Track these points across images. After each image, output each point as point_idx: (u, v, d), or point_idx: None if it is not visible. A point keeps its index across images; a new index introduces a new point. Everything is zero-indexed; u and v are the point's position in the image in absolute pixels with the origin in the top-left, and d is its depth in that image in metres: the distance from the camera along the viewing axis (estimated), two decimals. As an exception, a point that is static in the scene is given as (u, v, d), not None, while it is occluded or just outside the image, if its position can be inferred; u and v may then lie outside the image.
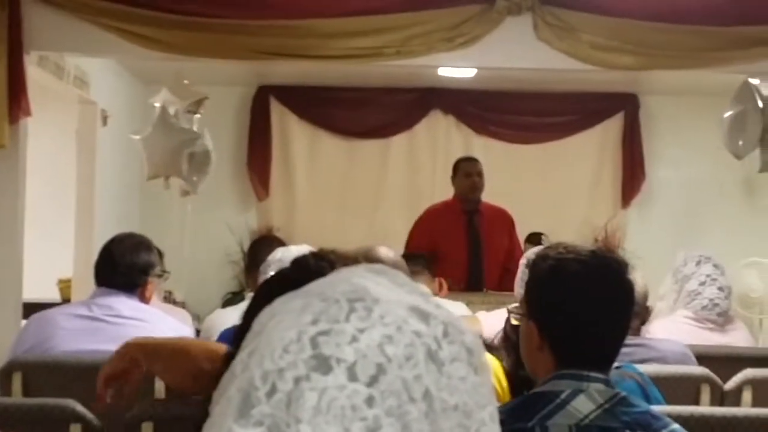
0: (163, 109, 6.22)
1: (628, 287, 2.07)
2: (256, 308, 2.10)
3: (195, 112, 6.35)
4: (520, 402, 2.03)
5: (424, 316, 0.83)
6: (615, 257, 2.14)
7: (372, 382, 0.79)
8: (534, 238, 7.19)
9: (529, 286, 2.17)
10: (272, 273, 3.37)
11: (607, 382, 1.98)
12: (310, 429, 0.77)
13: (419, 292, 0.90)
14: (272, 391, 0.79)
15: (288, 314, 0.84)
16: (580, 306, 2.04)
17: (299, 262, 1.75)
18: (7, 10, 4.95)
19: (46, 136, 6.88)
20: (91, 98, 6.59)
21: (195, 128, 6.33)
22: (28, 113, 5.05)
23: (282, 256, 3.51)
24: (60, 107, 6.78)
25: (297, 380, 0.79)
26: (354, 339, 0.80)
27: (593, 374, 1.97)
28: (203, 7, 5.13)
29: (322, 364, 0.79)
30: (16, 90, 4.94)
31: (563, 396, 1.93)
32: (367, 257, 3.03)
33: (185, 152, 6.27)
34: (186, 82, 6.30)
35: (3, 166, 5.05)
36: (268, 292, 1.69)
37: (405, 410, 0.79)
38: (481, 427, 0.83)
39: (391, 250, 3.19)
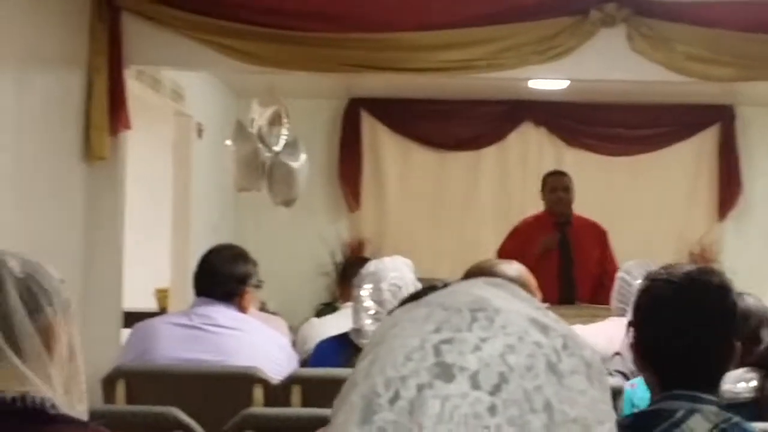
0: (239, 122, 6.32)
1: (725, 309, 2.06)
2: None
3: (277, 125, 6.43)
4: (634, 418, 2.04)
5: (543, 328, 0.84)
6: (713, 278, 2.12)
7: (494, 390, 0.79)
8: None
9: (633, 309, 2.17)
10: (365, 287, 3.41)
11: (719, 406, 1.98)
12: None
13: (537, 306, 0.91)
14: (395, 398, 0.80)
15: (410, 323, 0.85)
16: (670, 329, 2.05)
17: (432, 287, 1.79)
18: (108, 25, 5.08)
19: (144, 148, 7.01)
20: (186, 111, 6.71)
21: (280, 141, 6.40)
22: (128, 126, 5.17)
23: (376, 269, 3.53)
24: (156, 119, 6.91)
25: (420, 387, 0.80)
26: (477, 348, 0.81)
27: (706, 396, 1.98)
28: (295, 20, 5.20)
29: (445, 372, 0.80)
30: (116, 103, 5.07)
31: (678, 415, 1.94)
32: (489, 273, 2.96)
33: (259, 165, 6.36)
34: (271, 94, 6.38)
35: (104, 177, 5.16)
36: None
37: (526, 420, 0.79)
38: None
39: (514, 265, 3.10)
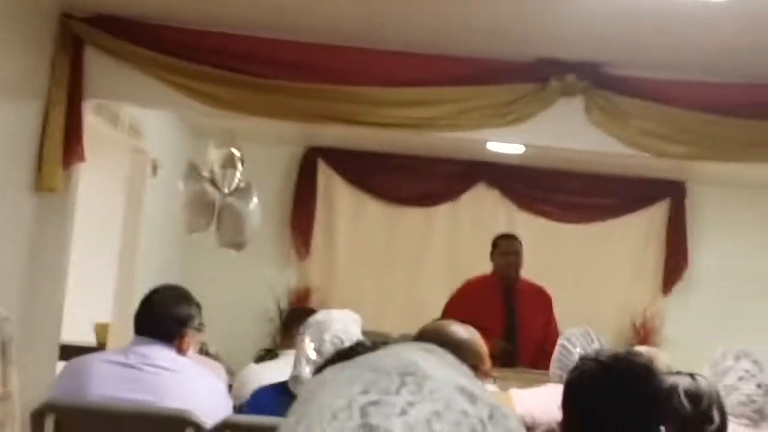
0: (192, 162, 6.31)
1: (648, 390, 2.11)
2: None
3: (231, 168, 6.42)
4: None
5: (471, 397, 0.84)
6: (639, 360, 2.19)
7: None
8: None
9: (564, 385, 2.23)
10: (308, 336, 3.40)
11: None
12: None
13: (466, 374, 0.91)
14: None
15: (338, 383, 0.84)
16: (594, 406, 2.11)
17: (361, 345, 1.79)
18: (70, 57, 5.06)
19: (97, 182, 6.96)
20: (143, 147, 6.68)
21: (232, 185, 6.39)
22: (82, 159, 5.14)
23: (322, 319, 3.52)
24: (112, 154, 6.88)
25: None
26: (403, 412, 0.80)
27: None
28: (258, 66, 5.21)
29: None
30: (72, 135, 5.04)
31: None
32: (439, 333, 2.98)
33: (208, 206, 6.34)
34: (228, 137, 6.38)
35: (54, 208, 5.12)
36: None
37: None
38: None
39: (467, 329, 3.10)
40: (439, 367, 0.87)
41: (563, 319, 7.03)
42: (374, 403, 0.81)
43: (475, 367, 3.02)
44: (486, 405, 0.85)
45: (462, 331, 3.06)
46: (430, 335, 3.18)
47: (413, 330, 5.77)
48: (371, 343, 2.06)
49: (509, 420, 0.86)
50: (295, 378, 3.44)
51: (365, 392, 0.82)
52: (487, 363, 3.10)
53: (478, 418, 0.83)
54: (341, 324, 3.46)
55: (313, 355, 3.34)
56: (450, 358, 0.92)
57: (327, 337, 3.38)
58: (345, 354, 1.94)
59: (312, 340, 3.39)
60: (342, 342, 3.31)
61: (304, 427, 0.82)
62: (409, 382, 0.83)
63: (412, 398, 0.82)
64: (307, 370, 3.36)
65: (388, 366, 0.85)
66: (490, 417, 0.84)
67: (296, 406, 0.87)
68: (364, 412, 0.80)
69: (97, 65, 5.17)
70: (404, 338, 6.67)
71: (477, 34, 4.97)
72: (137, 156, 6.77)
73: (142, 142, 6.61)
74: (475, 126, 5.28)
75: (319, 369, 2.40)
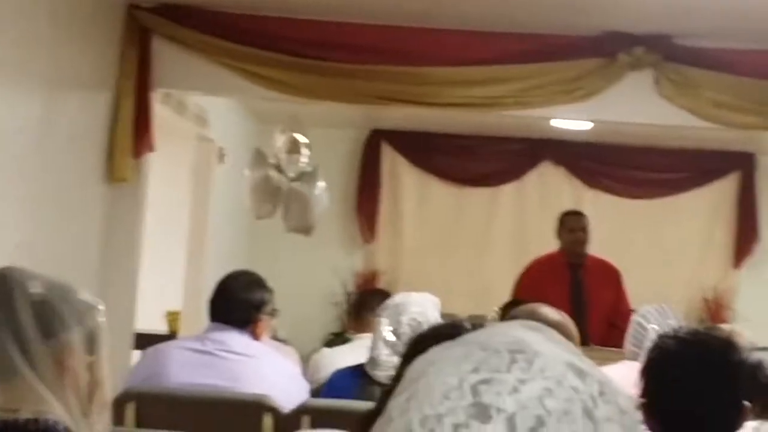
0: (258, 149, 6.34)
1: (728, 366, 2.10)
2: (408, 360, 2.21)
3: (297, 153, 6.44)
4: None
5: (581, 374, 0.83)
6: (718, 336, 2.18)
7: None
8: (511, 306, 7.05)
9: (643, 362, 2.26)
10: (385, 318, 3.40)
11: None
12: None
13: (573, 351, 0.90)
14: None
15: (448, 361, 0.84)
16: (674, 383, 2.13)
17: (456, 324, 1.80)
18: (137, 48, 5.11)
19: (165, 171, 7.02)
20: (209, 136, 6.72)
21: (297, 169, 6.41)
22: (151, 149, 5.19)
23: (400, 301, 3.52)
24: (179, 143, 6.93)
25: (456, 427, 0.79)
26: (515, 390, 0.80)
27: None
28: (323, 51, 5.22)
29: (482, 413, 0.79)
30: (141, 126, 5.09)
31: None
32: (532, 316, 3.03)
33: (275, 192, 6.37)
34: (294, 122, 6.40)
35: (125, 198, 5.18)
36: (421, 345, 1.76)
37: None
38: None
39: (555, 311, 3.16)
40: (548, 345, 0.86)
41: (634, 296, 6.96)
42: (485, 382, 0.81)
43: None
44: (596, 381, 0.84)
45: (554, 313, 3.13)
46: (524, 317, 3.21)
47: (481, 311, 5.79)
48: (469, 324, 2.09)
49: (619, 396, 0.86)
50: (373, 360, 3.44)
51: (476, 370, 0.82)
52: (577, 344, 3.10)
53: (588, 394, 0.82)
54: (419, 306, 3.46)
55: (390, 337, 3.34)
56: (556, 336, 0.91)
57: (404, 319, 3.38)
58: (444, 333, 1.93)
59: (389, 323, 3.39)
60: (420, 324, 3.31)
61: (415, 406, 0.82)
62: (520, 359, 0.82)
63: (523, 376, 0.81)
64: (384, 353, 3.36)
65: (497, 344, 0.84)
66: (601, 393, 0.83)
67: (406, 384, 0.86)
68: (475, 391, 0.80)
69: (165, 55, 5.21)
70: (473, 319, 6.66)
71: (541, 9, 4.92)
72: (204, 144, 6.83)
73: (208, 130, 6.66)
74: (542, 103, 5.23)
75: (412, 348, 2.37)
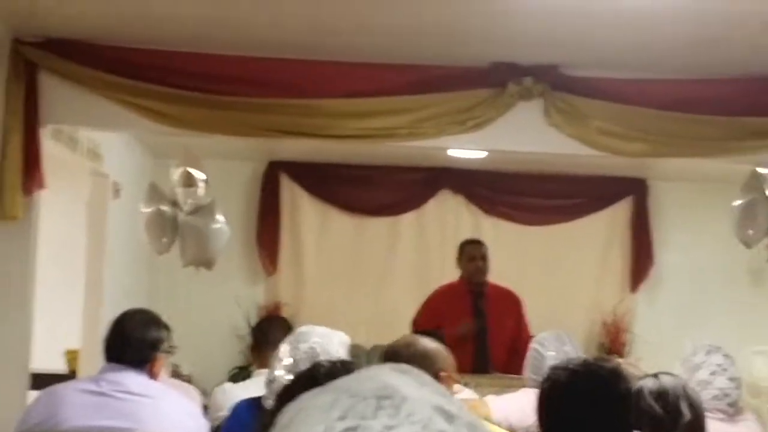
0: (152, 183, 6.29)
1: (616, 394, 2.16)
2: (281, 405, 2.22)
3: (193, 186, 6.39)
4: None
5: (449, 417, 0.84)
6: (606, 365, 2.25)
7: None
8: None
9: (537, 395, 2.31)
10: (285, 345, 3.39)
11: None
12: None
13: (442, 392, 0.91)
14: None
15: (315, 409, 0.84)
16: (566, 412, 2.19)
17: (313, 367, 1.82)
18: (24, 83, 5.03)
19: (57, 207, 6.91)
20: (103, 171, 6.63)
21: (194, 203, 6.36)
22: (41, 186, 5.10)
23: (305, 330, 3.50)
24: (72, 179, 6.83)
25: None
26: None
27: None
28: (214, 84, 5.20)
29: None
30: (30, 162, 5.00)
31: None
32: (408, 347, 3.29)
33: (171, 226, 6.32)
34: (188, 155, 6.36)
35: (15, 237, 5.08)
36: (289, 392, 1.78)
37: None
38: None
39: (431, 340, 3.38)
40: (416, 388, 0.87)
41: (534, 321, 7.07)
42: (352, 429, 0.81)
43: (445, 373, 3.24)
44: (464, 424, 0.85)
45: (430, 342, 3.34)
46: (402, 347, 3.29)
47: (384, 341, 5.79)
48: (328, 363, 2.16)
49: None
50: (269, 382, 3.41)
51: (342, 418, 0.82)
52: (455, 373, 3.34)
53: None
54: (320, 338, 3.46)
55: (287, 361, 3.32)
56: (426, 378, 0.91)
57: (303, 346, 3.37)
58: (311, 375, 1.97)
59: (289, 349, 3.38)
60: (317, 354, 3.31)
61: None
62: (386, 405, 0.82)
63: (390, 422, 0.81)
64: (280, 374, 3.35)
65: (365, 390, 0.85)
66: None
67: (279, 428, 0.86)
68: None
69: (52, 90, 5.14)
70: (375, 350, 6.67)
71: (431, 41, 4.98)
72: (98, 179, 6.72)
73: (103, 165, 6.57)
74: (434, 134, 5.28)
75: (292, 385, 2.42)
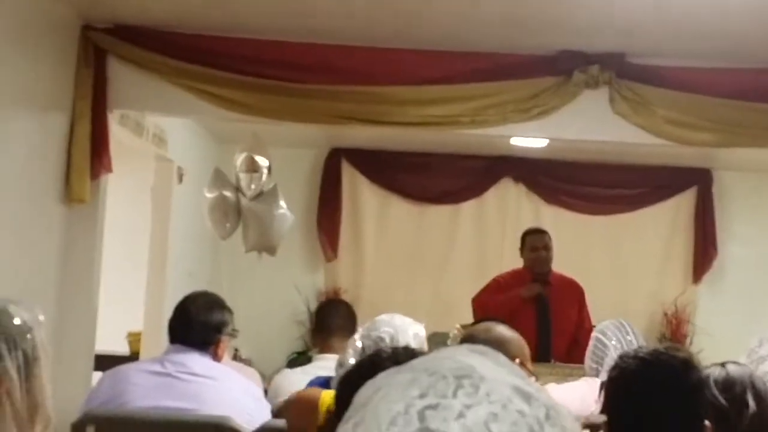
0: (217, 168, 6.35)
1: (687, 385, 2.13)
2: (343, 389, 2.25)
3: (257, 172, 6.43)
4: None
5: (526, 397, 0.84)
6: (678, 355, 2.21)
7: None
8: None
9: (605, 383, 2.27)
10: (361, 330, 3.41)
11: None
12: None
13: (520, 374, 0.91)
14: None
15: (395, 387, 0.84)
16: (634, 402, 2.14)
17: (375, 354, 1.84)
18: (93, 69, 5.10)
19: (124, 191, 7.01)
20: (168, 156, 6.71)
21: (257, 189, 6.40)
22: (109, 169, 5.17)
23: (380, 318, 3.51)
24: (137, 164, 6.92)
25: None
26: (461, 415, 0.80)
27: None
28: (281, 70, 5.23)
29: None
30: (98, 147, 5.08)
31: None
32: (487, 333, 3.29)
33: (234, 211, 6.37)
34: (254, 142, 6.40)
35: (83, 220, 5.16)
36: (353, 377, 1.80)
37: None
38: None
39: (509, 329, 3.38)
40: (494, 369, 0.87)
41: (594, 311, 7.02)
42: (432, 407, 0.81)
43: (523, 363, 3.21)
44: (542, 405, 0.85)
45: (507, 330, 3.32)
46: (479, 332, 3.29)
47: (442, 329, 5.80)
48: (396, 349, 2.20)
49: (565, 419, 0.86)
50: (340, 365, 3.42)
51: (422, 396, 0.82)
52: (530, 363, 3.29)
53: (534, 417, 0.83)
54: (393, 328, 3.46)
55: (359, 345, 3.34)
56: (503, 359, 0.92)
57: (374, 334, 3.38)
58: (372, 363, 1.99)
59: (362, 334, 3.39)
60: (385, 343, 3.31)
61: None
62: (466, 384, 0.83)
63: (469, 401, 0.82)
64: (351, 360, 3.35)
65: (443, 369, 0.85)
66: (547, 417, 0.84)
67: (351, 412, 0.87)
68: (422, 416, 0.80)
69: (120, 75, 5.21)
70: (434, 337, 6.66)
71: (497, 29, 4.96)
72: (162, 164, 6.81)
73: (167, 150, 6.64)
74: (498, 122, 5.27)
75: (354, 370, 2.45)
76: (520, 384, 0.86)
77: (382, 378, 0.88)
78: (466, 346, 0.93)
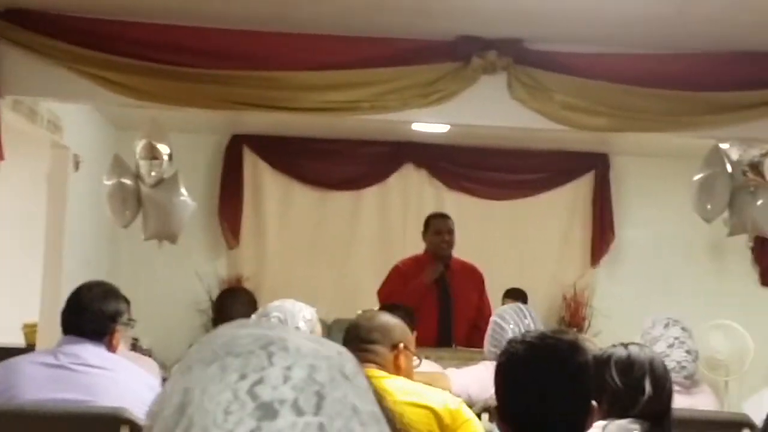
0: (116, 156, 6.26)
1: (574, 367, 2.17)
2: None
3: (157, 159, 6.36)
4: None
5: (320, 343, 0.88)
6: (565, 338, 2.24)
7: (317, 410, 0.81)
8: (513, 293, 7.23)
9: (494, 370, 2.30)
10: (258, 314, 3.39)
11: None
12: None
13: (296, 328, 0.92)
14: None
15: (209, 381, 0.83)
16: (521, 385, 2.19)
17: None
18: (-18, 54, 4.96)
19: (17, 179, 6.84)
20: (63, 143, 6.57)
21: (157, 176, 6.32)
22: (0, 157, 5.04)
23: (272, 305, 3.50)
24: (31, 151, 6.76)
25: None
26: (286, 378, 0.82)
27: None
28: (177, 55, 5.15)
29: (268, 411, 0.80)
30: (-11, 134, 4.95)
31: None
32: (371, 319, 3.39)
33: (134, 199, 6.30)
34: (153, 128, 6.32)
35: (-27, 209, 5.03)
36: None
37: (351, 428, 0.81)
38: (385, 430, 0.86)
39: (394, 316, 3.46)
40: (282, 329, 0.90)
41: (495, 295, 7.11)
42: (257, 382, 0.82)
43: (405, 345, 3.29)
44: (332, 346, 0.88)
45: (391, 317, 3.42)
46: (363, 320, 3.32)
47: (346, 315, 5.81)
48: None
49: (346, 353, 0.90)
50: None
51: (243, 377, 0.82)
52: (413, 346, 3.39)
53: (335, 358, 0.87)
54: (282, 312, 3.48)
55: None
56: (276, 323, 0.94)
57: (265, 319, 3.37)
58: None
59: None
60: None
61: None
62: (275, 350, 0.84)
63: (286, 362, 0.83)
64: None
65: (246, 346, 0.85)
66: (339, 354, 0.88)
67: (168, 422, 0.83)
68: (253, 395, 0.81)
69: (12, 61, 5.07)
70: (337, 323, 6.67)
71: (394, 14, 4.96)
72: (58, 151, 6.66)
73: (63, 137, 6.50)
74: (398, 107, 5.27)
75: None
76: (313, 338, 0.89)
77: (185, 380, 0.86)
78: (234, 324, 0.92)
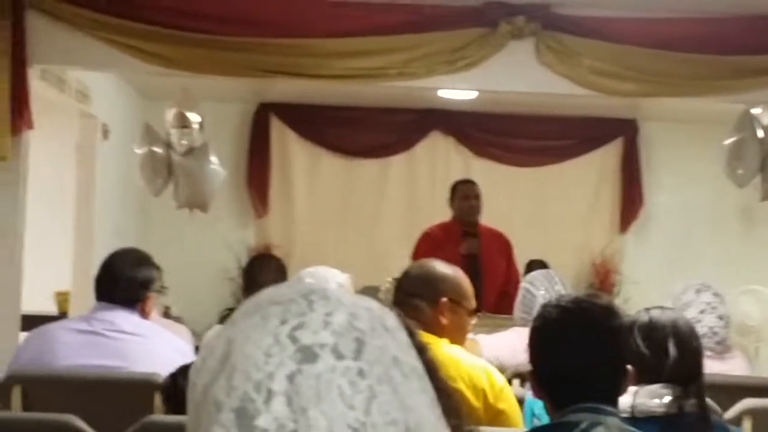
0: (147, 124, 6.27)
1: (608, 330, 2.17)
2: None
3: (187, 128, 6.37)
4: (540, 430, 2.08)
5: (360, 298, 0.91)
6: (598, 301, 2.24)
7: (357, 356, 0.83)
8: (535, 265, 7.20)
9: (529, 333, 2.29)
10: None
11: (624, 419, 2.04)
12: (319, 413, 0.80)
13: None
14: (269, 397, 0.81)
15: (252, 329, 0.86)
16: (558, 349, 2.17)
17: None
18: (11, 23, 4.98)
19: (46, 149, 6.88)
20: (91, 112, 6.60)
21: (187, 145, 6.33)
22: (30, 126, 5.07)
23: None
24: (60, 120, 6.79)
25: (290, 377, 0.81)
26: (326, 323, 0.84)
27: (609, 408, 2.02)
28: (205, 23, 5.16)
29: (308, 354, 0.82)
30: (18, 103, 4.97)
31: (583, 426, 1.97)
32: (423, 266, 3.15)
33: (165, 168, 6.32)
34: (183, 97, 6.32)
35: (4, 177, 5.07)
36: None
37: (390, 375, 0.84)
38: (428, 386, 0.88)
39: (448, 265, 3.19)
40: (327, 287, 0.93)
41: (523, 262, 7.09)
42: (298, 327, 0.84)
43: (457, 302, 3.08)
44: (372, 301, 0.91)
45: (445, 267, 3.16)
46: (413, 267, 3.25)
47: (374, 282, 5.81)
48: None
49: (386, 307, 0.92)
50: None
51: (284, 322, 0.85)
52: (471, 301, 3.14)
53: (377, 310, 0.89)
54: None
55: None
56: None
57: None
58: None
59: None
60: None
61: (242, 378, 0.82)
62: (315, 298, 0.87)
63: (326, 309, 0.85)
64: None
65: (287, 295, 0.88)
66: (381, 308, 0.90)
67: (212, 371, 0.85)
68: (293, 338, 0.83)
69: (40, 30, 5.09)
70: (365, 291, 6.68)
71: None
72: (87, 121, 6.69)
73: (91, 106, 6.53)
74: (425, 74, 5.26)
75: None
76: (353, 294, 0.93)
77: (228, 332, 0.88)
78: (285, 284, 0.96)
